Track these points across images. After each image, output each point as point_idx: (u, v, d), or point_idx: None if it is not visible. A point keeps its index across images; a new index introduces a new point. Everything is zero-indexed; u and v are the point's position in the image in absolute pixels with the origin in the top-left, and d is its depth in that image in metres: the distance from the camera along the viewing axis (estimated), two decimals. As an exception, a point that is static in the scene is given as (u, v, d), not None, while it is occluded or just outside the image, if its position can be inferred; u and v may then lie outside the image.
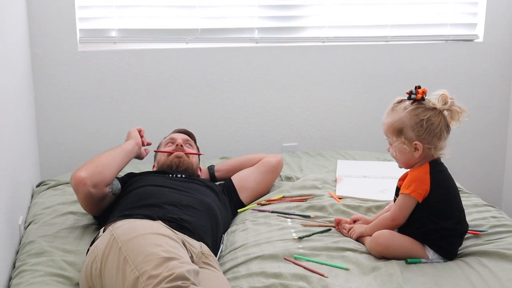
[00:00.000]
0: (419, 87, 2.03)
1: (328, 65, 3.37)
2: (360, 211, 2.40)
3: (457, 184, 2.66)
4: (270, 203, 2.52)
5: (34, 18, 2.96)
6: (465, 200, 2.49)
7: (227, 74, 3.26)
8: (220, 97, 3.27)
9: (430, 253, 2.03)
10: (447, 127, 2.04)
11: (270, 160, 2.71)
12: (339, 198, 2.52)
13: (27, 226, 2.34)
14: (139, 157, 2.47)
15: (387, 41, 3.45)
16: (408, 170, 2.09)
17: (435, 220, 2.01)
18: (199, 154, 2.64)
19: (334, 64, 3.38)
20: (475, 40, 3.54)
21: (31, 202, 2.62)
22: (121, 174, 2.46)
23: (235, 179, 2.61)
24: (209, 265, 1.94)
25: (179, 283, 1.55)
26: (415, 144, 2.02)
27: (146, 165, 2.83)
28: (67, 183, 2.73)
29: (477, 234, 2.14)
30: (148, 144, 2.52)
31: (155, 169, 2.60)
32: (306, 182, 2.67)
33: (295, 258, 2.01)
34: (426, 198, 2.01)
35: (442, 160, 2.10)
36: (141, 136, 2.51)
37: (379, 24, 3.44)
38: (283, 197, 2.56)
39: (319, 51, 3.35)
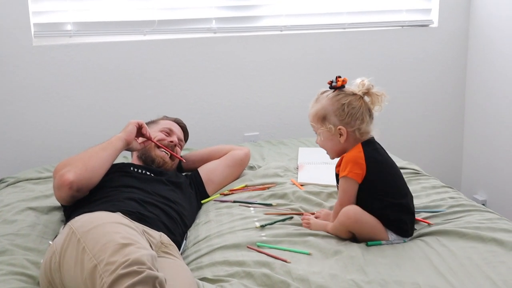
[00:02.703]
0: (339, 77, 2.13)
1: (287, 54, 3.39)
2: (322, 197, 2.43)
3: (416, 167, 2.73)
4: (233, 193, 2.53)
5: (-14, 13, 2.91)
6: (424, 183, 2.56)
7: (186, 65, 3.25)
8: (180, 88, 3.26)
9: (390, 234, 2.06)
10: (369, 111, 2.12)
11: (238, 153, 2.71)
12: (301, 185, 2.54)
13: (-13, 225, 2.30)
14: (131, 149, 2.42)
15: (344, 28, 3.48)
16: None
17: (379, 197, 2.06)
18: (181, 160, 2.61)
19: (293, 52, 3.40)
20: (430, 26, 3.60)
21: (-10, 201, 2.57)
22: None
23: (202, 171, 2.61)
24: (169, 254, 1.94)
25: (135, 268, 1.54)
26: (339, 129, 2.09)
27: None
28: (27, 180, 2.70)
29: (427, 223, 2.18)
30: (149, 139, 2.45)
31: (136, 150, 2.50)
32: (268, 171, 2.69)
33: (258, 246, 2.02)
34: (365, 178, 2.05)
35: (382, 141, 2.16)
36: (142, 133, 2.43)
37: (335, 12, 3.48)
38: (246, 186, 2.58)
39: (277, 40, 3.37)
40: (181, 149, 2.67)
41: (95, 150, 2.26)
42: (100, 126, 3.14)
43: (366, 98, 2.11)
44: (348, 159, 2.07)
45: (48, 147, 3.09)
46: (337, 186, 2.15)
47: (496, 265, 1.84)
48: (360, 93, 2.10)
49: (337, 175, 2.13)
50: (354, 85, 2.12)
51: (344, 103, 2.08)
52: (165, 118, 2.77)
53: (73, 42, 3.10)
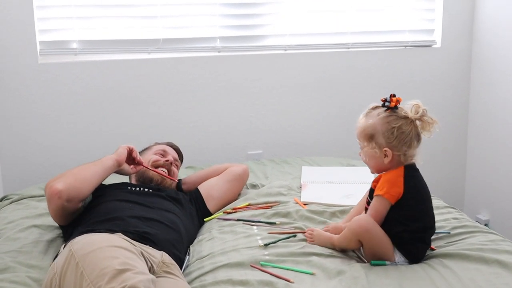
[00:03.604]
0: (394, 95, 2.07)
1: (290, 73, 3.41)
2: (325, 216, 2.43)
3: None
4: (236, 211, 2.53)
5: (-7, 30, 2.93)
6: (427, 202, 2.55)
7: (190, 83, 3.27)
8: (184, 106, 3.28)
9: (397, 256, 2.06)
10: (418, 136, 2.08)
11: (236, 169, 2.73)
12: (304, 204, 2.54)
13: (-10, 242, 2.30)
14: (123, 173, 2.43)
15: (348, 48, 3.50)
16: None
17: (405, 222, 2.04)
18: (175, 181, 2.62)
19: (296, 71, 3.42)
20: (433, 46, 3.62)
21: (-7, 217, 2.57)
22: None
23: (202, 188, 2.63)
24: (170, 273, 1.94)
25: None
26: (385, 150, 2.05)
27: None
28: (31, 197, 2.71)
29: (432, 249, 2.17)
30: (140, 163, 2.46)
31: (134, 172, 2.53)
32: (272, 189, 2.69)
33: (262, 265, 2.02)
34: (398, 201, 2.04)
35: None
36: (133, 157, 2.44)
37: (339, 32, 3.50)
38: (249, 204, 2.58)
39: (281, 59, 3.39)
40: (177, 169, 2.69)
41: (86, 165, 2.29)
42: (104, 144, 3.15)
43: (417, 122, 2.07)
44: (387, 179, 2.05)
45: (52, 165, 3.10)
46: (368, 199, 2.13)
47: (499, 287, 1.84)
48: (412, 117, 2.06)
49: (371, 190, 2.12)
50: (407, 106, 2.07)
51: (395, 127, 2.03)
52: (157, 143, 2.78)
53: (79, 60, 3.12)
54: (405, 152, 2.06)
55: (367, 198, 2.15)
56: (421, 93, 3.61)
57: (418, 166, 2.14)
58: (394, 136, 2.04)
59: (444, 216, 2.41)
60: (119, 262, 1.69)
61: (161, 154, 2.64)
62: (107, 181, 2.40)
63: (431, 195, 2.66)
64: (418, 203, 2.07)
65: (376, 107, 2.11)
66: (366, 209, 2.13)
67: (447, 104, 3.70)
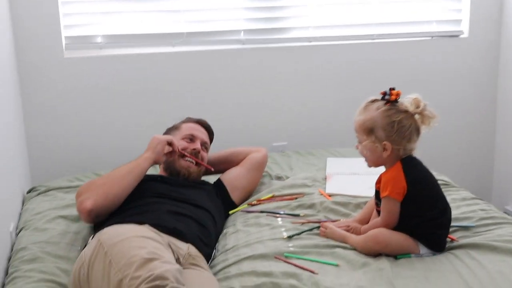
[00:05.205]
0: (393, 89, 2.05)
1: (315, 65, 3.39)
2: (349, 208, 2.41)
3: (446, 178, 2.70)
4: (260, 203, 2.53)
5: (19, 26, 2.97)
6: (454, 194, 2.52)
7: (214, 76, 3.27)
8: (208, 99, 3.28)
9: (421, 247, 2.04)
10: (418, 131, 2.06)
11: (256, 156, 2.71)
12: (329, 196, 2.53)
13: (19, 233, 2.34)
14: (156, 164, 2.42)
15: (373, 39, 3.47)
16: (377, 168, 2.12)
17: (419, 213, 2.03)
18: (209, 169, 2.58)
19: (321, 63, 3.40)
20: (460, 36, 3.57)
21: (22, 209, 2.61)
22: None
23: (225, 180, 2.61)
24: (196, 265, 1.95)
25: (157, 282, 1.57)
26: (384, 144, 2.04)
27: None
28: (58, 188, 2.74)
29: (453, 240, 2.14)
30: (176, 151, 2.45)
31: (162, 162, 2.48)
32: (296, 181, 2.68)
33: (286, 256, 2.02)
34: (406, 195, 2.03)
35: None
36: (174, 150, 2.44)
37: (364, 23, 3.46)
38: (273, 196, 2.57)
39: (305, 51, 3.37)
40: (207, 152, 2.64)
41: (121, 174, 2.23)
42: (129, 137, 3.17)
43: (417, 116, 2.05)
44: (388, 179, 2.04)
45: (78, 157, 3.14)
46: (376, 201, 2.12)
47: (528, 279, 1.81)
48: (413, 111, 2.04)
49: (377, 192, 2.11)
50: (406, 100, 2.05)
51: (395, 121, 2.01)
52: (188, 120, 2.73)
53: (103, 54, 3.14)
54: (404, 146, 2.04)
55: (375, 200, 2.13)
56: (448, 84, 3.57)
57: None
58: (394, 130, 2.02)
59: (471, 207, 2.38)
60: (147, 252, 1.70)
61: (189, 139, 2.59)
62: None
63: (456, 186, 2.65)
64: (425, 191, 2.06)
65: (374, 101, 2.10)
66: (377, 211, 2.12)
67: (475, 94, 3.64)
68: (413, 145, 2.07)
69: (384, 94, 2.06)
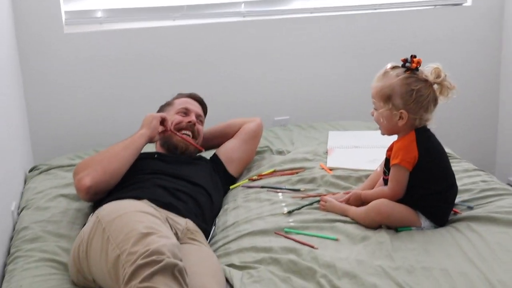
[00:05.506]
0: (415, 56, 2.02)
1: (317, 36, 3.36)
2: (350, 181, 2.41)
3: (448, 150, 2.68)
4: (261, 178, 2.53)
5: (18, 1, 2.94)
6: (456, 166, 2.50)
7: (215, 50, 3.25)
8: (209, 73, 3.26)
9: (423, 220, 2.04)
10: (435, 101, 2.04)
11: (250, 126, 2.69)
12: (330, 170, 2.53)
13: (20, 212, 2.35)
14: (151, 141, 2.41)
15: (375, 9, 3.43)
16: (390, 137, 2.10)
17: (426, 186, 2.02)
18: (200, 149, 2.57)
19: (323, 34, 3.37)
20: (464, 4, 3.52)
21: (24, 188, 2.62)
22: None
23: (220, 153, 2.61)
24: (195, 240, 1.96)
25: (154, 257, 1.57)
26: (401, 112, 2.01)
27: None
28: (59, 167, 2.74)
29: (456, 212, 2.13)
30: (169, 130, 2.45)
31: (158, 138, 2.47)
32: (297, 155, 2.68)
33: (286, 232, 2.02)
34: (415, 166, 2.01)
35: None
36: (165, 128, 2.43)
37: (366, -8, 3.43)
38: (274, 171, 2.57)
39: (307, 22, 3.34)
40: (202, 124, 2.63)
41: (117, 150, 2.24)
42: (130, 112, 3.16)
43: (436, 86, 2.02)
44: (400, 147, 2.02)
45: (79, 134, 3.13)
46: (384, 169, 2.11)
47: (527, 251, 1.81)
48: (432, 81, 2.01)
49: (387, 159, 2.09)
50: (427, 69, 2.02)
51: (414, 89, 1.98)
52: (180, 96, 2.71)
53: (103, 29, 3.12)
54: (421, 116, 2.02)
55: (384, 168, 2.12)
56: (451, 53, 3.54)
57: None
58: (413, 98, 1.99)
59: (472, 179, 2.38)
60: (144, 226, 1.70)
61: (183, 113, 2.58)
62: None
63: (458, 157, 2.64)
64: (435, 164, 2.04)
65: (394, 67, 2.05)
66: (384, 179, 2.11)
67: (478, 63, 3.61)
68: (429, 116, 2.04)
69: (405, 61, 2.03)
